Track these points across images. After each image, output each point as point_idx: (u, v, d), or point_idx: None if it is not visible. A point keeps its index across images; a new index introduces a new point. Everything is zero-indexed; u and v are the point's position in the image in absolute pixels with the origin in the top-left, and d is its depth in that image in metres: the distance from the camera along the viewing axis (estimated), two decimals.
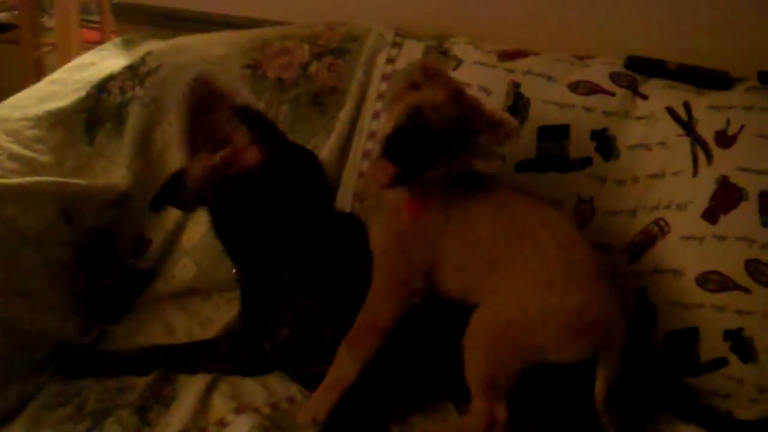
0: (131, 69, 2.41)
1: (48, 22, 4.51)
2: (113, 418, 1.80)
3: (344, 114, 2.35)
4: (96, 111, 2.34)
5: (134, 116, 2.34)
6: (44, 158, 2.18)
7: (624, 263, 2.10)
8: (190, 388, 1.92)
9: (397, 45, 2.41)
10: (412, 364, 1.85)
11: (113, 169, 2.29)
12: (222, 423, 1.82)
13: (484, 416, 1.72)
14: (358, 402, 1.80)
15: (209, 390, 1.92)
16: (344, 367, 1.78)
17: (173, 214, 2.29)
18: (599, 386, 1.71)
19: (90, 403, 1.86)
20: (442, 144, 1.75)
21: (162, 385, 1.93)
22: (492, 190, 1.90)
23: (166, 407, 1.86)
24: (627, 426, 1.79)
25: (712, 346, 1.98)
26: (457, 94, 1.82)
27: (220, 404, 1.88)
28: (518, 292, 1.74)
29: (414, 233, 1.83)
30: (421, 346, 1.84)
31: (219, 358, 2.02)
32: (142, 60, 2.42)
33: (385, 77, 2.36)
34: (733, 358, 1.96)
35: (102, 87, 2.37)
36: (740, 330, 1.95)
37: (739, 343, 1.95)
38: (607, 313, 1.74)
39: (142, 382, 1.93)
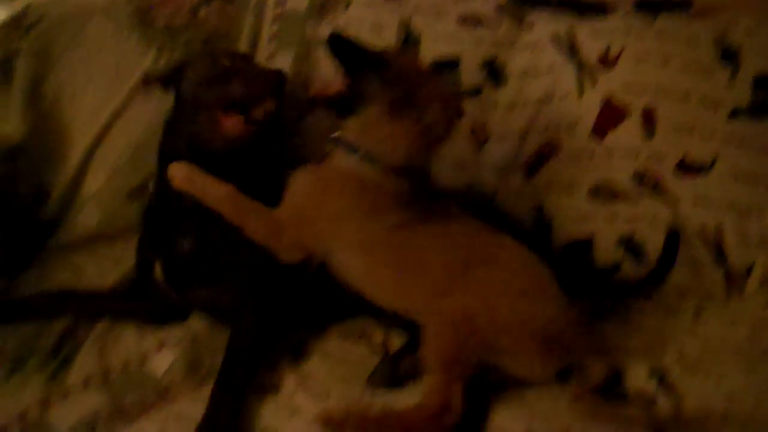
0: (14, 21, 2.34)
1: None
2: (34, 360, 1.82)
3: None
4: None
5: (21, 69, 2.28)
6: None
7: (520, 182, 2.21)
8: (107, 328, 1.95)
9: None
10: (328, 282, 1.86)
11: (4, 122, 2.23)
12: (144, 358, 1.85)
13: (439, 394, 1.64)
14: (276, 320, 1.85)
15: (127, 330, 1.95)
16: (219, 199, 1.76)
17: (72, 161, 2.27)
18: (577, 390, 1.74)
19: (9, 349, 1.86)
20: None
21: (78, 327, 1.94)
22: (446, 216, 1.86)
23: (84, 348, 1.87)
24: None
25: (607, 253, 2.11)
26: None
27: (139, 341, 1.91)
28: (488, 294, 1.72)
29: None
30: None
31: (126, 306, 2.03)
32: (24, 12, 2.36)
33: (276, 18, 2.39)
34: (626, 264, 2.10)
35: None
36: (632, 236, 2.09)
37: (632, 248, 2.09)
38: (570, 333, 1.73)
39: (57, 326, 1.93)
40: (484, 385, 1.70)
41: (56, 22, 2.33)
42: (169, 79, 2.03)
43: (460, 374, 1.66)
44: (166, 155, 1.94)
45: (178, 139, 1.94)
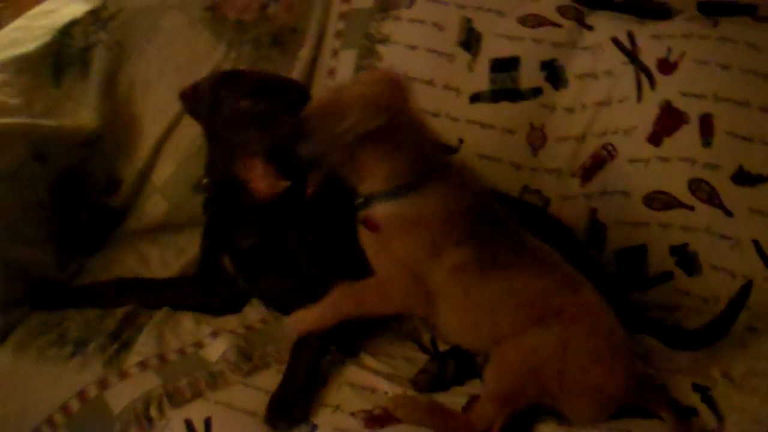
0: (93, 14, 2.45)
1: None
2: (95, 343, 1.91)
3: (304, 53, 2.45)
4: (61, 55, 2.38)
5: (99, 60, 2.39)
6: (13, 101, 2.23)
7: (576, 186, 2.23)
8: (167, 316, 2.03)
9: None
10: None
11: (81, 111, 2.35)
12: (199, 345, 1.94)
13: (485, 423, 1.68)
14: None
15: (185, 318, 2.04)
16: (337, 308, 1.74)
17: (143, 152, 2.38)
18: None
19: (72, 331, 1.96)
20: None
21: (139, 313, 2.03)
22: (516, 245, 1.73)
23: (143, 333, 1.96)
24: None
25: (659, 261, 2.12)
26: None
27: (196, 329, 2.00)
28: (561, 347, 1.65)
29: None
30: None
31: (186, 296, 2.12)
32: (103, 5, 2.47)
33: (342, 16, 2.45)
34: (678, 272, 2.11)
35: (66, 32, 2.42)
36: (685, 245, 2.09)
37: (684, 258, 2.09)
38: (628, 389, 1.69)
39: (119, 311, 2.03)
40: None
41: (133, 15, 2.44)
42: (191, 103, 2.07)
43: (511, 409, 1.67)
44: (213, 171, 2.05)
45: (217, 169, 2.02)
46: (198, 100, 2.02)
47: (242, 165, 1.88)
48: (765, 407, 1.71)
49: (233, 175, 1.91)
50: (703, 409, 1.76)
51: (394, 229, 1.68)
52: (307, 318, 1.75)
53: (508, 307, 1.68)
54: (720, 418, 1.73)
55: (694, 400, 1.78)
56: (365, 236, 1.73)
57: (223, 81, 2.00)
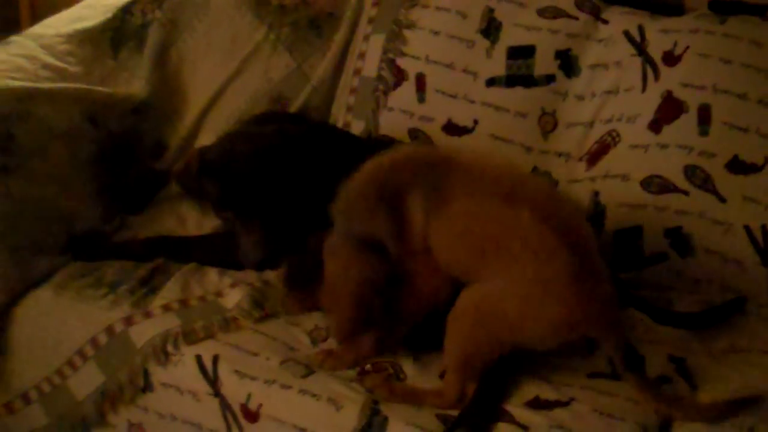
0: None
1: None
2: (126, 286, 2.11)
3: (339, 37, 2.63)
4: (120, 30, 2.65)
5: (153, 35, 2.64)
6: (73, 69, 2.49)
7: (582, 170, 2.34)
8: (195, 268, 2.22)
9: None
10: None
11: (134, 81, 2.59)
12: (219, 294, 2.12)
13: (455, 391, 1.76)
14: None
15: (211, 271, 2.22)
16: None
17: (188, 121, 2.61)
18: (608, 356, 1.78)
19: (108, 276, 2.16)
20: None
21: (170, 265, 2.22)
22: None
23: (171, 280, 2.15)
24: None
25: (655, 242, 2.21)
26: None
27: (219, 280, 2.18)
28: (503, 286, 1.70)
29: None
30: None
31: (213, 251, 2.30)
32: None
33: (375, 3, 2.62)
34: (672, 254, 2.20)
35: (126, 10, 2.68)
36: (679, 228, 2.18)
37: (678, 240, 2.18)
38: (590, 311, 1.69)
39: (153, 262, 2.23)
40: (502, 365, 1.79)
41: None
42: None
43: (477, 371, 1.75)
44: None
45: None
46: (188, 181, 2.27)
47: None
48: (740, 379, 1.77)
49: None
50: (677, 378, 1.83)
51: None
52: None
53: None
54: (694, 387, 1.79)
55: (669, 370, 1.86)
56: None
57: (204, 169, 2.21)
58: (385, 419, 1.73)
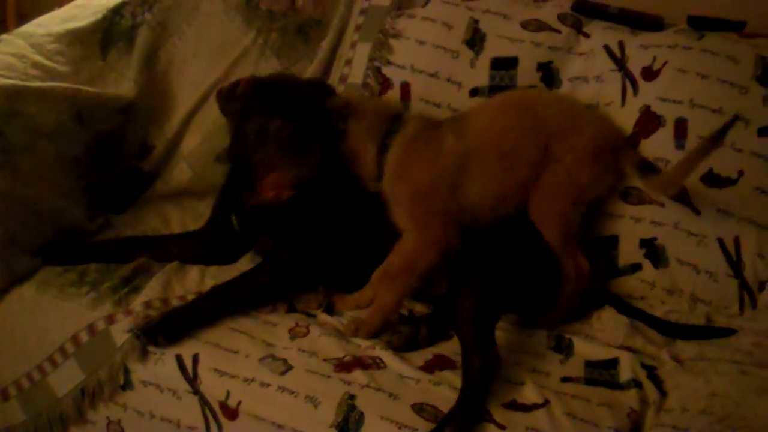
0: None
1: None
2: (109, 284, 2.15)
3: (326, 43, 2.67)
4: (110, 31, 2.68)
5: (143, 37, 2.68)
6: (62, 68, 2.51)
7: None
8: (177, 268, 2.26)
9: None
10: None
11: (122, 82, 2.62)
12: (199, 293, 2.14)
13: (574, 268, 2.10)
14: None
15: (193, 270, 2.27)
16: (383, 300, 2.08)
17: (174, 122, 2.65)
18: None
19: (90, 274, 2.20)
20: None
21: (153, 264, 2.26)
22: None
23: (153, 279, 2.19)
24: None
25: (630, 252, 2.27)
26: None
27: (200, 280, 2.23)
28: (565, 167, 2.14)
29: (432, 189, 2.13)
30: None
31: (190, 248, 2.34)
32: None
33: (362, 11, 2.65)
34: (646, 264, 2.25)
35: (116, 11, 2.72)
36: (654, 239, 2.23)
37: (653, 251, 2.24)
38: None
39: (134, 263, 2.26)
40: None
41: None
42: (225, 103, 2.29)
43: (577, 239, 2.12)
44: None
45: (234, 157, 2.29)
46: (232, 102, 2.23)
47: (258, 172, 2.12)
48: (707, 387, 1.82)
49: (248, 166, 2.15)
50: (648, 384, 1.91)
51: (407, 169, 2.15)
52: (358, 301, 2.15)
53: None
54: (663, 393, 1.88)
55: (641, 375, 1.94)
56: (398, 197, 2.13)
57: (259, 91, 2.19)
58: (362, 415, 1.79)
